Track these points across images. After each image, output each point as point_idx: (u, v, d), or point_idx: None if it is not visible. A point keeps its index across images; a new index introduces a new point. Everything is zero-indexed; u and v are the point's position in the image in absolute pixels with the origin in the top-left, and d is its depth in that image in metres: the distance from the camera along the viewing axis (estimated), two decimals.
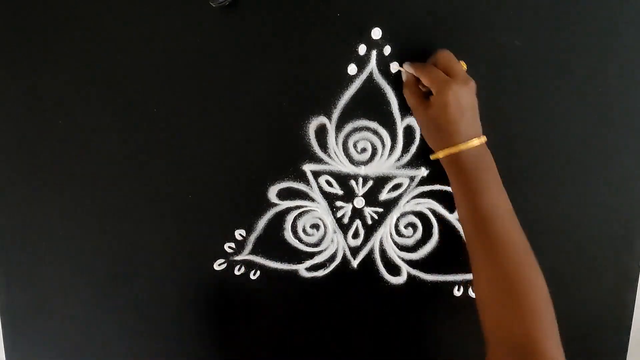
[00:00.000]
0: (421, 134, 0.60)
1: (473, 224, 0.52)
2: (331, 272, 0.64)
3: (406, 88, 0.58)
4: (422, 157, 0.61)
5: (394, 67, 0.59)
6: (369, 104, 0.60)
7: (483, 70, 0.59)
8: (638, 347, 0.67)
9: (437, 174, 0.62)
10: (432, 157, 0.57)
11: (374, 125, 0.61)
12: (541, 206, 0.62)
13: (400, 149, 0.61)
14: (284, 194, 0.63)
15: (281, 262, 0.64)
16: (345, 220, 0.63)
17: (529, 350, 0.45)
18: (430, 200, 0.62)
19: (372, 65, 0.60)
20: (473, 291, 0.52)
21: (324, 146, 0.61)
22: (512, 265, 0.49)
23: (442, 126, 0.53)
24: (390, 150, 0.61)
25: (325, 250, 0.64)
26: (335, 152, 0.62)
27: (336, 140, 0.61)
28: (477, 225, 0.51)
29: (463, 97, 0.52)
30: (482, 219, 0.51)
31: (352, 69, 0.60)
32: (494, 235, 0.50)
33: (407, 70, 0.58)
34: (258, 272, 0.64)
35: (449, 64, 0.54)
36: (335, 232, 0.64)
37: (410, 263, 0.64)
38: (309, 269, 0.64)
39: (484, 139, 0.54)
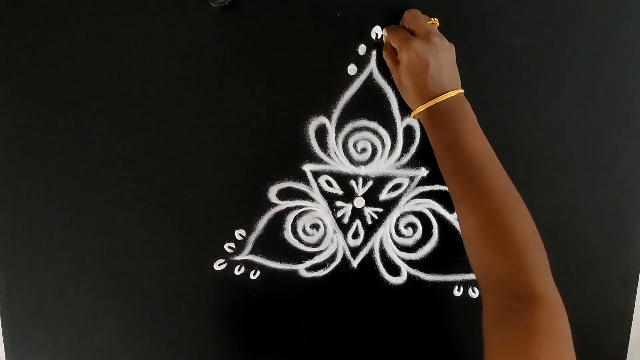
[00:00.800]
0: (421, 133, 0.60)
1: (452, 173, 0.52)
2: (331, 272, 0.64)
3: (384, 50, 0.58)
4: (422, 157, 0.61)
5: (378, 31, 0.59)
6: (369, 104, 0.60)
7: (483, 70, 0.59)
8: (638, 347, 0.67)
9: (437, 174, 0.61)
10: (412, 115, 0.57)
11: (374, 125, 0.61)
12: (541, 206, 0.62)
13: (400, 149, 0.61)
14: (284, 194, 0.63)
15: (281, 262, 0.64)
16: (345, 220, 0.63)
17: (519, 291, 0.45)
18: (430, 201, 0.62)
19: (372, 65, 0.60)
20: (465, 248, 0.52)
21: (324, 146, 0.61)
22: (493, 210, 0.48)
23: (409, 84, 0.54)
24: (390, 150, 0.61)
25: (325, 250, 0.64)
26: (335, 152, 0.62)
27: (336, 140, 0.61)
28: (457, 174, 0.51)
29: (424, 53, 0.52)
30: (460, 168, 0.51)
31: (352, 69, 0.60)
32: (475, 181, 0.49)
33: (384, 34, 0.58)
34: (258, 272, 0.64)
35: (413, 22, 0.54)
36: (335, 232, 0.64)
37: (410, 263, 0.64)
38: (308, 269, 0.64)
39: (456, 91, 0.53)
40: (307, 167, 0.62)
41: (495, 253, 0.47)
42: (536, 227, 0.49)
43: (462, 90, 0.54)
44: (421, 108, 0.54)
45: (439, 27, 0.56)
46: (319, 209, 0.63)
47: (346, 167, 0.62)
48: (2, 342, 0.68)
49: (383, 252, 0.64)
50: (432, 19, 0.56)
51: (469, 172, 0.50)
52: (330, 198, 0.63)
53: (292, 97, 0.60)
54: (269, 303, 0.65)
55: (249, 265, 0.64)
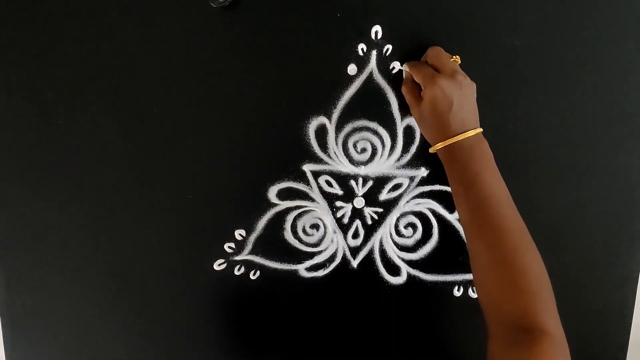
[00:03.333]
0: (421, 133, 0.60)
1: (469, 211, 0.53)
2: (331, 272, 0.64)
3: (404, 85, 0.59)
4: (422, 157, 0.61)
5: (396, 66, 0.59)
6: (369, 104, 0.60)
7: (483, 70, 0.59)
8: (638, 347, 0.67)
9: (437, 174, 0.62)
10: (430, 150, 0.58)
11: (373, 125, 0.61)
12: (541, 206, 0.62)
13: (400, 149, 0.61)
14: (284, 194, 0.63)
15: (281, 262, 0.64)
16: (345, 220, 0.63)
17: (527, 326, 0.47)
18: (430, 201, 0.62)
19: (372, 65, 0.60)
20: (473, 280, 0.54)
21: (324, 146, 0.61)
22: (508, 251, 0.50)
23: (432, 120, 0.54)
24: (390, 150, 0.61)
25: (325, 250, 0.64)
26: (335, 152, 0.62)
27: (336, 140, 0.61)
28: (473, 213, 0.52)
29: (449, 90, 0.53)
30: (477, 207, 0.52)
31: (352, 69, 0.60)
32: (490, 223, 0.51)
33: (404, 69, 0.59)
34: (258, 272, 0.64)
35: (437, 59, 0.55)
36: (335, 232, 0.64)
37: (410, 263, 0.64)
38: (308, 269, 0.64)
39: (476, 130, 0.54)
40: (307, 167, 0.62)
41: (508, 291, 0.49)
42: (544, 266, 0.51)
43: (481, 129, 0.55)
44: (440, 145, 0.54)
45: (460, 65, 0.57)
46: (319, 209, 0.63)
47: (346, 167, 0.62)
48: (2, 342, 0.68)
49: (383, 252, 0.64)
50: (454, 57, 0.57)
51: (486, 211, 0.51)
52: (330, 198, 0.63)
53: (292, 97, 0.60)
54: (269, 303, 0.65)
55: (249, 265, 0.64)
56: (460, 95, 0.53)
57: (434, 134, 0.55)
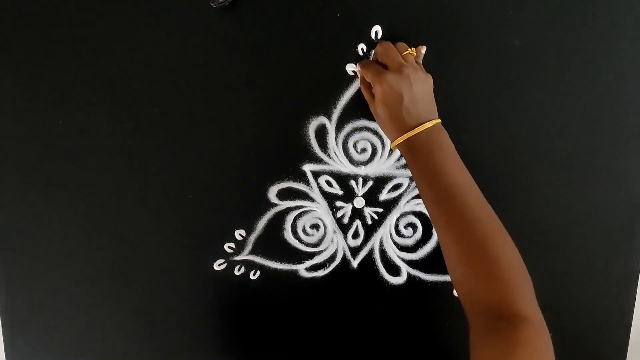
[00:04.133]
0: None
1: (434, 204, 0.52)
2: (331, 272, 0.64)
3: (361, 85, 0.59)
4: None
5: (350, 68, 0.59)
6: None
7: (483, 70, 0.59)
8: (638, 347, 0.67)
9: None
10: (391, 147, 0.57)
11: (373, 125, 0.61)
12: (541, 206, 0.62)
13: None
14: (284, 194, 0.63)
15: (281, 262, 0.64)
16: (345, 220, 0.63)
17: (505, 313, 0.46)
18: None
19: None
20: (449, 273, 0.53)
21: (324, 146, 0.61)
22: (478, 239, 0.49)
23: (385, 117, 0.54)
24: (390, 150, 0.61)
25: (325, 250, 0.64)
26: (335, 152, 0.62)
27: (336, 140, 0.61)
28: (439, 205, 0.51)
29: (397, 85, 0.52)
30: (441, 199, 0.51)
31: (352, 69, 0.60)
32: (456, 213, 0.50)
33: (357, 69, 0.59)
34: (258, 272, 0.64)
35: (384, 55, 0.55)
36: (335, 232, 0.64)
37: (410, 263, 0.64)
38: (308, 269, 0.64)
39: (432, 122, 0.53)
40: (307, 167, 0.62)
41: (482, 281, 0.48)
42: (518, 252, 0.50)
43: (439, 120, 0.54)
44: (398, 140, 0.54)
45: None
46: (319, 209, 0.63)
47: (346, 167, 0.62)
48: (2, 342, 0.68)
49: (383, 252, 0.64)
50: (409, 49, 0.56)
51: (451, 202, 0.50)
52: (330, 198, 0.63)
53: (292, 97, 0.60)
54: (269, 303, 0.65)
55: (249, 265, 0.64)
56: (409, 89, 0.52)
57: (391, 130, 0.55)
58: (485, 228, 0.50)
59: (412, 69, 0.53)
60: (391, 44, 0.56)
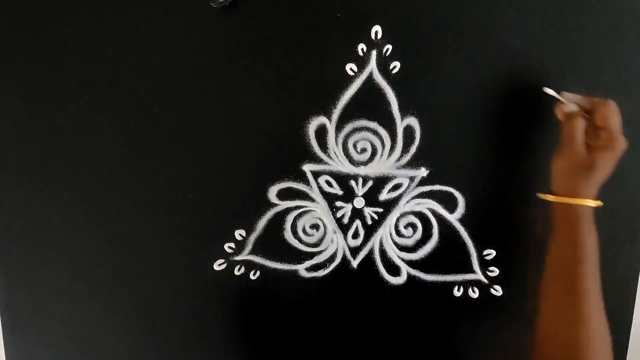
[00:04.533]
0: (421, 133, 0.60)
1: (567, 275, 0.52)
2: (331, 272, 0.64)
3: (577, 120, 0.53)
4: (422, 157, 0.61)
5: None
6: (369, 104, 0.60)
7: (483, 70, 0.59)
8: (638, 347, 0.67)
9: (437, 174, 0.62)
10: (550, 198, 0.54)
11: (373, 125, 0.61)
12: (541, 206, 0.62)
13: (400, 149, 0.61)
14: (284, 194, 0.63)
15: (281, 262, 0.64)
16: (345, 220, 0.63)
17: None
18: (430, 201, 0.62)
19: (372, 65, 0.60)
20: (536, 326, 0.54)
21: (324, 146, 0.61)
22: (584, 320, 0.50)
23: (593, 173, 0.52)
24: (390, 151, 0.61)
25: (325, 250, 0.64)
26: (335, 152, 0.62)
27: (336, 140, 0.61)
28: (572, 278, 0.51)
29: (614, 159, 0.52)
30: (576, 274, 0.51)
31: (352, 69, 0.60)
32: (581, 291, 0.51)
33: (578, 101, 0.55)
34: (258, 272, 0.64)
35: (611, 118, 0.53)
36: (335, 232, 0.64)
37: (410, 263, 0.64)
38: (308, 269, 0.64)
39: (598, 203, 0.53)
40: (307, 167, 0.62)
41: (571, 353, 0.50)
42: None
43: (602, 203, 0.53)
44: (582, 202, 0.52)
45: None
46: (319, 209, 0.63)
47: (346, 167, 0.62)
48: (2, 342, 0.68)
49: (383, 252, 0.64)
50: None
51: (580, 282, 0.51)
52: (330, 198, 0.63)
53: (292, 97, 0.60)
54: (269, 303, 0.65)
55: (249, 265, 0.64)
56: (613, 165, 0.53)
57: (576, 184, 0.52)
58: (595, 311, 0.51)
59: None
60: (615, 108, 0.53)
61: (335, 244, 0.64)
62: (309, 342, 0.66)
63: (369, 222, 0.63)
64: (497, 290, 0.64)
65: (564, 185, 0.53)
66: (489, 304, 0.64)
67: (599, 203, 0.53)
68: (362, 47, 0.59)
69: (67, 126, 0.62)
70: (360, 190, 0.63)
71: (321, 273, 0.64)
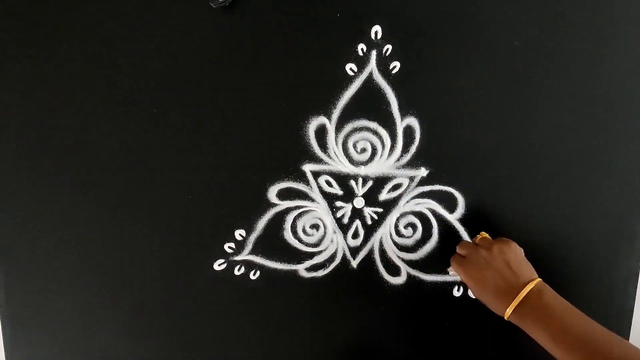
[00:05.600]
0: (421, 134, 0.60)
1: (569, 354, 0.51)
2: (331, 272, 0.64)
3: (454, 263, 0.59)
4: (422, 157, 0.61)
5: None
6: (369, 104, 0.60)
7: (483, 70, 0.59)
8: (638, 347, 0.67)
9: (437, 174, 0.62)
10: (507, 317, 0.54)
11: (373, 125, 0.61)
12: (541, 206, 0.62)
13: (400, 149, 0.61)
14: (283, 194, 0.63)
15: (281, 262, 0.64)
16: (345, 220, 0.63)
17: None
18: (430, 201, 0.62)
19: (372, 65, 0.60)
20: None
21: (323, 146, 0.61)
22: None
23: (505, 277, 0.54)
24: (390, 151, 0.61)
25: (325, 250, 0.64)
26: (335, 152, 0.62)
27: (336, 140, 0.61)
28: (574, 352, 0.51)
29: (511, 249, 0.56)
30: (574, 347, 0.51)
31: (352, 69, 0.60)
32: (591, 355, 0.50)
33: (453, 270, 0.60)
34: (258, 272, 0.64)
35: (466, 251, 0.58)
36: (335, 232, 0.64)
37: (409, 263, 0.64)
38: (308, 269, 0.64)
39: (533, 282, 0.54)
40: (307, 167, 0.62)
41: None
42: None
43: (539, 279, 0.55)
44: (509, 311, 0.53)
45: None
46: (319, 209, 0.63)
47: (346, 167, 0.62)
48: (2, 342, 0.68)
49: (383, 252, 0.64)
50: (480, 235, 0.60)
51: (585, 351, 0.50)
52: (330, 198, 0.63)
53: (292, 97, 0.60)
54: (269, 303, 0.65)
55: (249, 265, 0.64)
56: (517, 251, 0.56)
57: (503, 295, 0.54)
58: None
59: (487, 245, 0.56)
60: (466, 242, 0.60)
61: (335, 244, 0.64)
62: (309, 342, 0.66)
63: (369, 222, 0.63)
64: None
65: (504, 295, 0.54)
66: None
67: (535, 282, 0.54)
68: (362, 47, 0.59)
69: (67, 126, 0.62)
70: (360, 190, 0.63)
71: (321, 273, 0.64)
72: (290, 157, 0.62)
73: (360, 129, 0.61)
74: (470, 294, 0.64)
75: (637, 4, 0.58)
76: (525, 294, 0.53)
